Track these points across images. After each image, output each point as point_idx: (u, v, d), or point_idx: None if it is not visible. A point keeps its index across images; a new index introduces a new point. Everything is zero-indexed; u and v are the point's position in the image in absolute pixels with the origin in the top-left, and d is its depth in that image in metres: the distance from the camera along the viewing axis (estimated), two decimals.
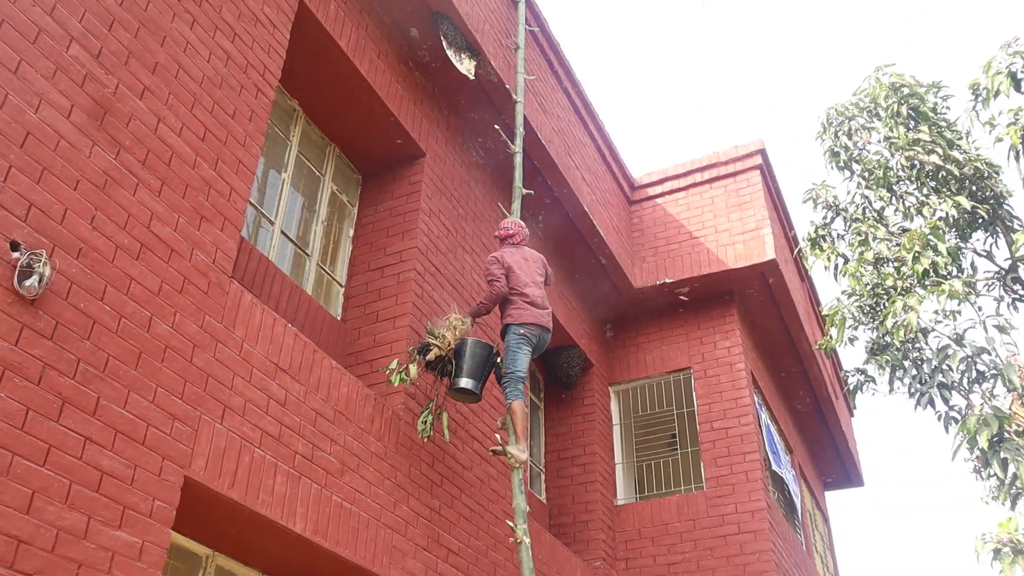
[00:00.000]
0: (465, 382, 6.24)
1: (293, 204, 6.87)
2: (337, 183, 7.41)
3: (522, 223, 7.07)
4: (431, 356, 6.25)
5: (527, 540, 5.90)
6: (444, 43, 7.43)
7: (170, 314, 4.43)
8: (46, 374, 3.71)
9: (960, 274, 6.76)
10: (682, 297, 10.50)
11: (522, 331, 6.44)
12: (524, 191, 7.53)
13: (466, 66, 7.56)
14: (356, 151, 7.45)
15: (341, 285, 7.16)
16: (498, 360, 6.52)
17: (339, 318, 6.96)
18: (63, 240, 3.92)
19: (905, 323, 6.18)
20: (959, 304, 6.28)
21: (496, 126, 8.02)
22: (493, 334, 7.67)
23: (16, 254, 3.67)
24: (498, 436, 6.50)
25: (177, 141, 4.73)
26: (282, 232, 6.61)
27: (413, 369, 6.15)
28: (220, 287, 4.82)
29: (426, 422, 6.28)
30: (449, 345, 6.29)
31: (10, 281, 3.62)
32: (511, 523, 6.01)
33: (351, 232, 7.43)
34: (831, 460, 14.79)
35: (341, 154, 7.45)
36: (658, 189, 11.14)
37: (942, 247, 6.38)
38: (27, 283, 3.66)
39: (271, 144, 6.63)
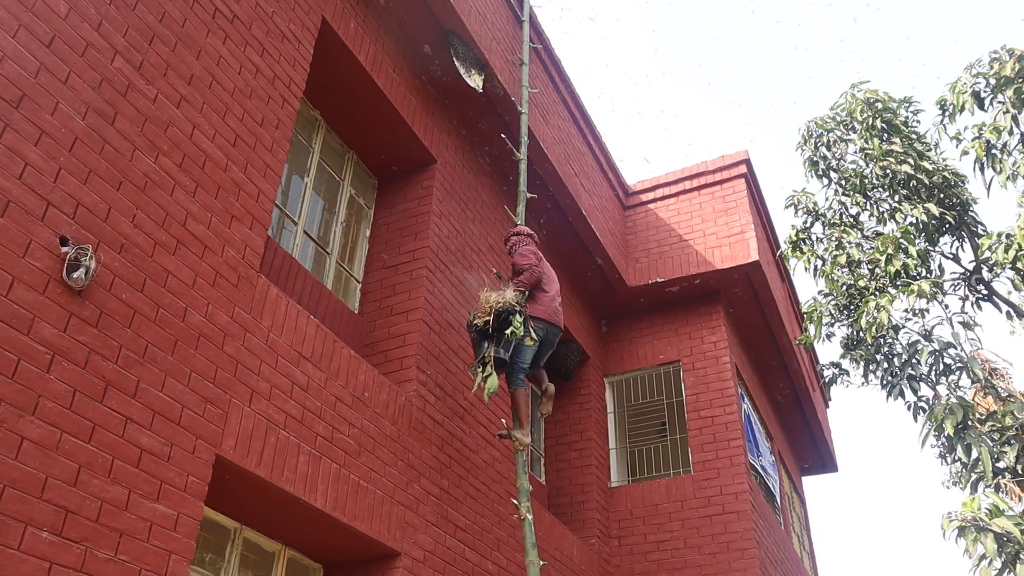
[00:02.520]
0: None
1: (315, 206, 6.91)
2: (355, 187, 7.45)
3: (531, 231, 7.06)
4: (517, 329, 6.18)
5: (530, 517, 5.95)
6: (455, 59, 7.47)
7: (203, 305, 4.48)
8: (91, 359, 3.76)
9: (929, 275, 6.81)
10: (670, 290, 10.54)
11: (532, 324, 6.43)
12: (528, 195, 7.58)
13: (475, 80, 7.60)
14: (373, 158, 7.49)
15: (358, 281, 7.21)
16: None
17: (356, 311, 7.01)
18: (107, 236, 3.97)
19: (877, 320, 6.23)
20: (927, 303, 6.33)
21: (502, 135, 8.06)
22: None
23: (65, 248, 3.72)
24: (504, 421, 6.52)
25: (210, 146, 4.77)
26: (305, 232, 6.66)
27: (493, 381, 6.08)
28: (249, 281, 4.86)
29: (481, 374, 6.16)
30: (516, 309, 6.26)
31: (59, 273, 3.68)
32: (515, 501, 6.05)
33: (368, 232, 7.48)
34: (808, 447, 14.83)
35: (359, 161, 7.49)
36: (650, 195, 11.18)
37: (912, 250, 6.44)
38: (75, 275, 3.71)
39: (295, 151, 6.68)
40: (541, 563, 5.86)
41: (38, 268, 3.60)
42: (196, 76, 4.78)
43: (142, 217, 4.19)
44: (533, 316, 6.44)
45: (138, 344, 4.02)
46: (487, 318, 6.18)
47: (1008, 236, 6.22)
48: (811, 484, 44.28)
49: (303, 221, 6.63)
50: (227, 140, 4.92)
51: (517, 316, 6.19)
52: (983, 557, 5.10)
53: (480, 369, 6.16)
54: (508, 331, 6.14)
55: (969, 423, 5.96)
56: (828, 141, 7.64)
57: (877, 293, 6.62)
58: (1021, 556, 4.92)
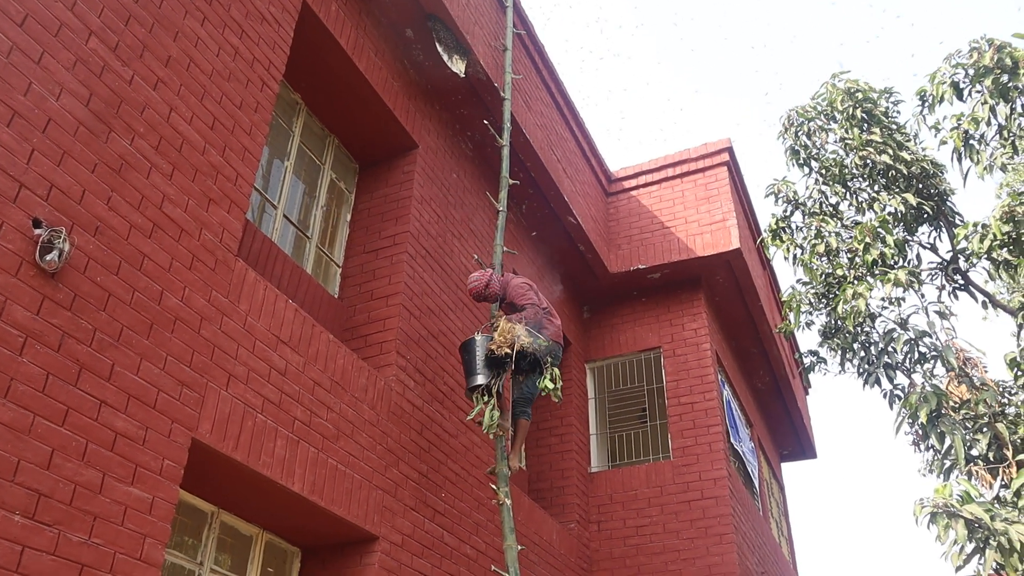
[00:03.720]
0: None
1: (295, 190, 6.87)
2: (336, 171, 7.42)
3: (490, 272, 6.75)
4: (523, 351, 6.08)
5: (508, 502, 5.97)
6: (437, 43, 7.43)
7: (180, 289, 4.45)
8: (65, 342, 3.73)
9: (906, 264, 6.86)
10: (652, 277, 10.57)
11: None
12: (510, 181, 7.56)
13: (457, 65, 7.56)
14: (354, 142, 7.45)
15: (339, 266, 7.18)
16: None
17: (336, 296, 6.99)
18: (81, 218, 3.93)
19: (854, 308, 6.27)
20: (904, 291, 6.38)
21: (484, 121, 8.03)
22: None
23: (38, 230, 3.68)
24: (489, 471, 6.40)
25: (188, 129, 4.73)
26: (284, 216, 6.62)
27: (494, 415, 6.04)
28: (226, 264, 4.84)
29: (492, 418, 6.10)
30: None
31: (32, 256, 3.64)
32: (494, 486, 6.06)
33: (348, 217, 7.45)
34: (787, 434, 14.94)
35: (340, 145, 7.45)
36: (633, 182, 11.19)
37: (890, 239, 6.48)
38: (48, 257, 3.68)
39: (275, 135, 6.63)
40: (519, 547, 5.89)
41: (10, 250, 3.56)
42: (173, 58, 4.73)
43: (117, 199, 4.16)
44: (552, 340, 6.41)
45: (113, 327, 3.99)
46: (508, 351, 6.06)
47: (984, 226, 6.26)
48: (790, 470, 44.63)
49: (283, 205, 6.60)
50: (205, 123, 4.88)
51: (555, 370, 6.19)
52: (954, 543, 5.17)
53: (481, 397, 6.14)
54: (541, 385, 6.14)
55: (943, 411, 6.02)
56: (809, 130, 7.67)
57: (855, 282, 6.66)
58: (991, 542, 4.98)
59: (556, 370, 6.23)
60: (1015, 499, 5.56)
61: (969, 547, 5.20)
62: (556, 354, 6.40)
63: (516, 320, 6.30)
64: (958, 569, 5.35)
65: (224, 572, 5.18)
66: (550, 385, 6.13)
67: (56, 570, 3.47)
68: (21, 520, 3.37)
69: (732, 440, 10.74)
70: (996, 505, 5.61)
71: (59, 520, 3.54)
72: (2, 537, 3.29)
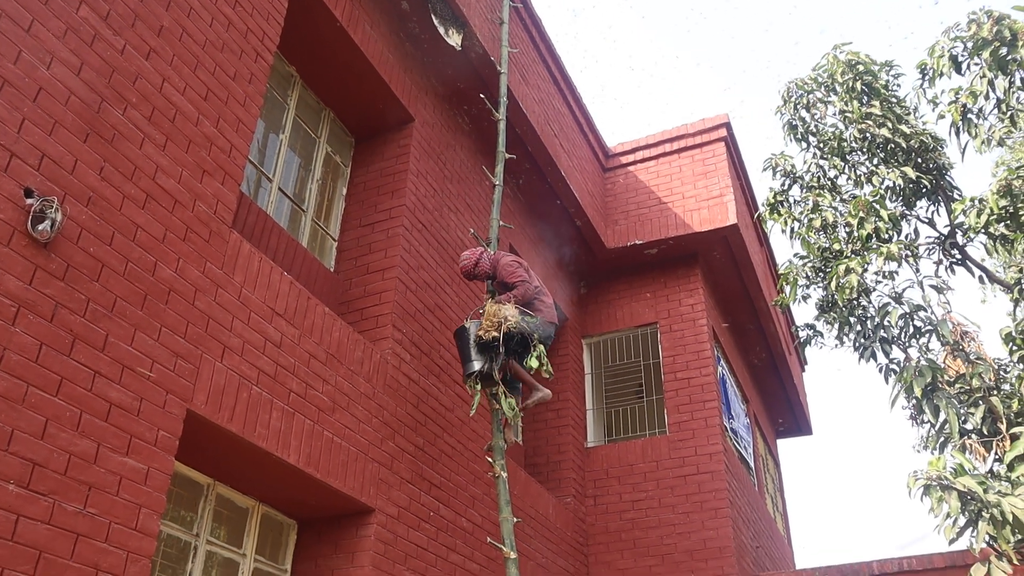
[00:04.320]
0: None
1: (290, 164, 6.84)
2: (332, 145, 7.38)
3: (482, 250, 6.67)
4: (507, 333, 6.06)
5: (504, 475, 5.99)
6: (433, 16, 7.37)
7: (174, 260, 4.44)
8: (58, 312, 3.72)
9: (902, 238, 6.84)
10: (649, 252, 10.56)
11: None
12: (507, 156, 7.52)
13: (453, 38, 7.51)
14: (350, 115, 7.40)
15: (334, 239, 7.16)
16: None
17: (332, 269, 6.97)
18: (74, 189, 3.91)
19: (847, 283, 6.26)
20: (897, 265, 6.37)
21: (481, 95, 7.98)
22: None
23: (30, 200, 3.66)
24: (486, 448, 6.42)
25: (181, 100, 4.70)
26: (280, 189, 6.59)
27: (508, 403, 6.08)
28: (221, 236, 4.82)
29: (512, 408, 6.17)
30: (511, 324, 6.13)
31: (24, 225, 3.62)
32: (490, 459, 6.08)
33: (344, 190, 7.42)
34: (783, 410, 14.98)
35: (335, 118, 7.40)
36: (630, 158, 11.15)
37: (884, 213, 6.46)
38: (40, 227, 3.66)
39: (270, 107, 6.59)
40: (515, 520, 5.91)
41: (2, 220, 3.54)
42: (166, 27, 4.68)
43: (110, 170, 4.13)
44: (550, 321, 6.44)
45: (106, 298, 3.98)
46: (495, 334, 6.06)
47: (981, 201, 6.24)
48: (786, 447, 44.88)
49: (278, 178, 6.57)
50: (198, 94, 4.84)
51: (541, 347, 6.18)
52: (948, 515, 5.19)
53: (475, 384, 6.17)
54: (527, 364, 6.13)
55: (938, 385, 6.02)
56: (808, 103, 7.62)
57: (850, 256, 6.65)
58: (983, 514, 5.00)
59: (541, 347, 6.21)
60: (1008, 472, 5.57)
61: (962, 520, 5.22)
62: (548, 334, 6.39)
63: (504, 300, 6.29)
64: (951, 542, 5.37)
65: (220, 544, 5.21)
66: (535, 364, 6.13)
67: (52, 539, 3.48)
68: (16, 489, 3.38)
69: (724, 419, 10.78)
70: (990, 478, 5.62)
71: (54, 490, 3.54)
72: None
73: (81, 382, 3.76)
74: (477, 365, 6.09)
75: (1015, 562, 5.54)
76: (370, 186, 7.29)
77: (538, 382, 6.78)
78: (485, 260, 6.49)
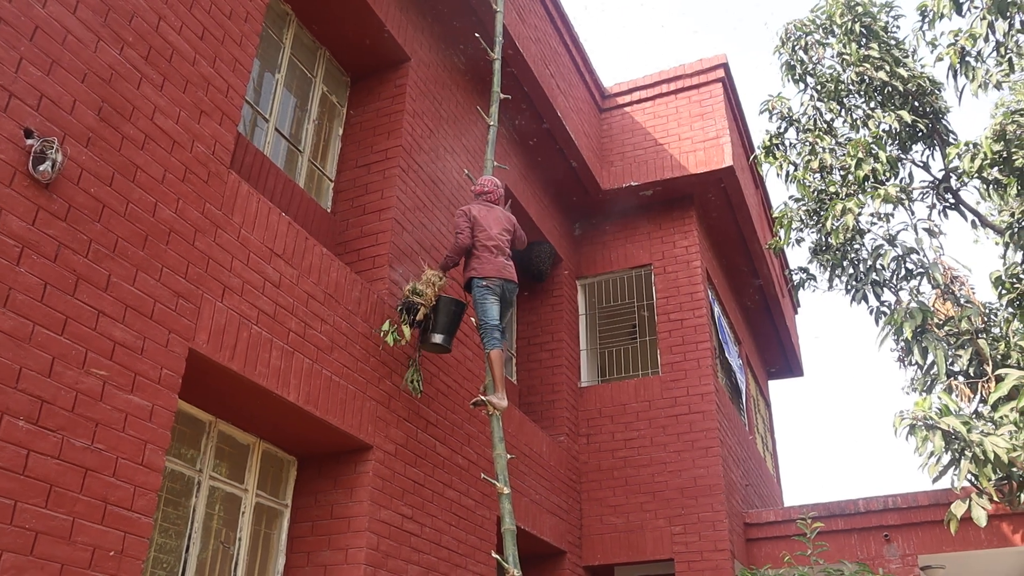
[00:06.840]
0: (438, 337, 6.29)
1: (286, 104, 6.82)
2: (328, 85, 7.35)
3: (499, 183, 6.76)
4: (419, 316, 6.19)
5: (499, 412, 6.12)
6: None
7: (173, 201, 4.48)
8: (61, 252, 3.77)
9: (898, 181, 6.90)
10: (644, 194, 10.59)
11: (484, 283, 6.27)
12: (502, 96, 7.50)
13: None
14: (345, 55, 7.36)
15: (331, 180, 7.18)
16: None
17: (329, 210, 7.01)
18: (73, 129, 3.93)
19: (843, 223, 6.33)
20: (893, 208, 6.43)
21: (477, 34, 7.92)
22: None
23: (30, 140, 3.68)
24: (482, 388, 6.50)
25: (177, 39, 4.68)
26: (276, 129, 6.59)
27: (406, 330, 6.11)
28: (219, 177, 4.85)
29: (414, 380, 6.34)
30: (431, 301, 6.23)
31: (25, 166, 3.65)
32: (483, 398, 6.20)
33: (340, 131, 7.41)
34: (775, 352, 15.18)
35: (331, 57, 7.36)
36: (627, 98, 11.10)
37: (882, 155, 6.50)
38: (41, 168, 3.69)
39: (265, 47, 6.55)
40: (509, 456, 6.06)
41: (3, 160, 3.57)
42: None
43: (108, 110, 4.14)
44: (483, 276, 6.30)
45: (108, 238, 4.03)
46: (426, 310, 6.27)
47: (975, 145, 6.28)
48: (777, 388, 45.43)
49: (274, 118, 6.56)
50: (194, 33, 4.82)
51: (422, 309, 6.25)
52: (931, 454, 5.35)
53: (416, 372, 6.41)
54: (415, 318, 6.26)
55: (927, 327, 6.14)
56: (806, 44, 7.60)
57: (847, 198, 6.71)
58: (966, 452, 5.16)
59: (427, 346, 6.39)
60: (992, 412, 5.72)
61: (946, 458, 5.38)
62: (492, 289, 6.34)
63: (440, 264, 6.53)
64: (935, 480, 5.55)
65: (223, 479, 5.34)
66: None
67: (62, 473, 3.59)
68: (25, 425, 3.47)
69: (726, 354, 10.94)
70: (974, 418, 5.78)
71: (62, 426, 3.64)
72: (8, 441, 3.39)
73: (86, 321, 3.83)
74: (436, 339, 6.30)
75: (995, 499, 5.73)
76: (366, 126, 7.28)
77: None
78: (459, 219, 6.49)
